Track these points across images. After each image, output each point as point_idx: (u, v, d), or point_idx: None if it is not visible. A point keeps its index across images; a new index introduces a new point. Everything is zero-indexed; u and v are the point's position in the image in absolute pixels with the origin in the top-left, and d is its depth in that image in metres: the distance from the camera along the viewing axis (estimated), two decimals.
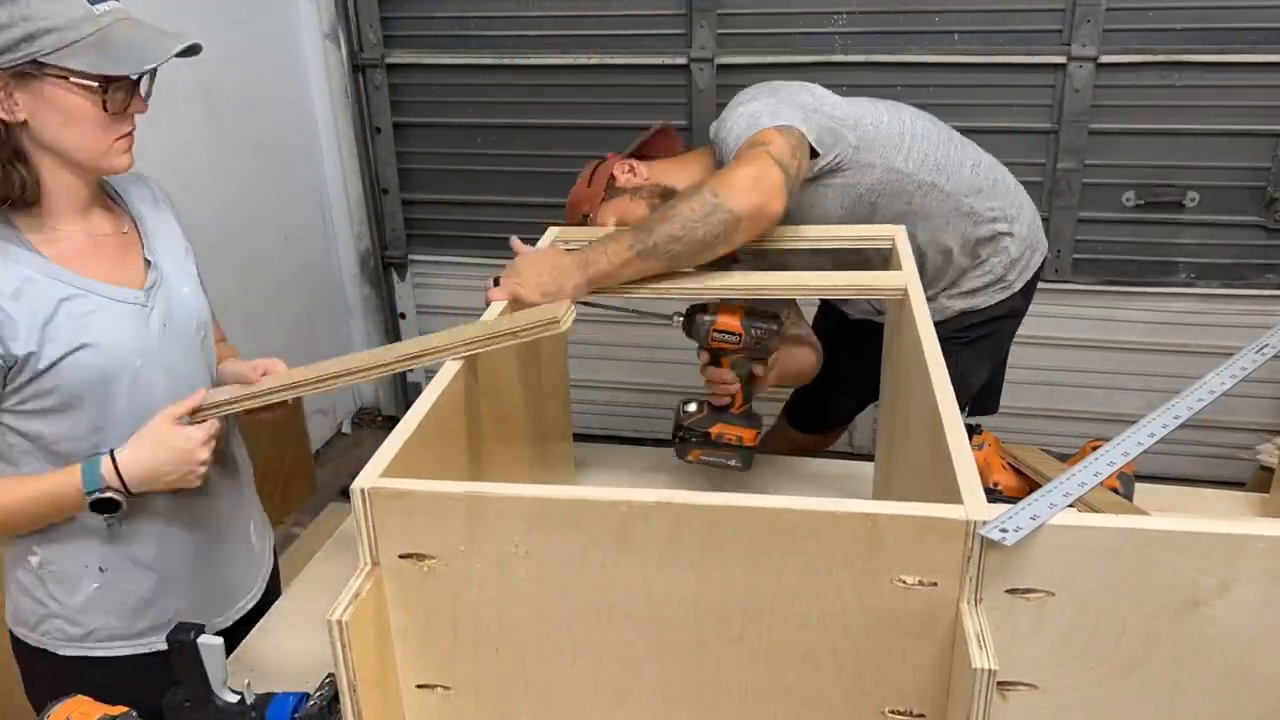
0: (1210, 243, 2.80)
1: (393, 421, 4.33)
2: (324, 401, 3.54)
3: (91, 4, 1.11)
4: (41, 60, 1.08)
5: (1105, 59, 2.62)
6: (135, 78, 1.16)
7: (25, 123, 1.11)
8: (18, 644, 1.32)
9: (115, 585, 1.27)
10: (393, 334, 3.58)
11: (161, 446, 1.17)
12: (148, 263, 1.27)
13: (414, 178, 3.30)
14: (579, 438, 1.74)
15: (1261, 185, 2.69)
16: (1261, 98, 2.60)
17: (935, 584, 0.84)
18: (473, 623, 0.91)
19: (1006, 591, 0.85)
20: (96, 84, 1.11)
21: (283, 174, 3.13)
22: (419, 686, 0.95)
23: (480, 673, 0.94)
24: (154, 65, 1.14)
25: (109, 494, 1.15)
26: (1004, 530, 0.81)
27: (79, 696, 1.03)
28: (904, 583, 0.84)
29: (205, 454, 1.19)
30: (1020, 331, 3.12)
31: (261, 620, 1.38)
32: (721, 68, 2.88)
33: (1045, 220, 2.81)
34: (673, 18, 2.89)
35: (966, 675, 0.79)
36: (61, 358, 1.15)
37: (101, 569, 1.26)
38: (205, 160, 2.76)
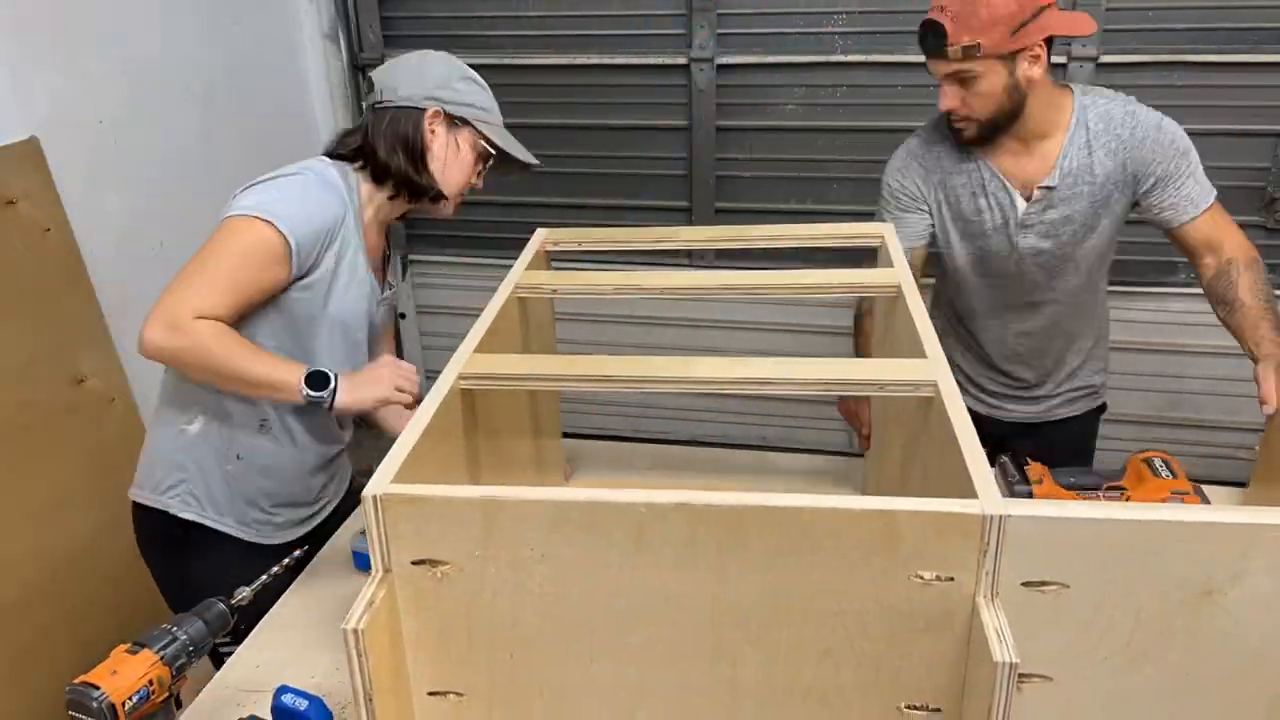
0: None
1: None
2: None
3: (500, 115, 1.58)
4: (471, 120, 1.52)
5: (1105, 59, 2.62)
6: (485, 166, 1.57)
7: (429, 144, 1.50)
8: (139, 510, 1.55)
9: (241, 476, 1.52)
10: (393, 334, 3.56)
11: (380, 367, 1.43)
12: (389, 284, 1.65)
13: None
14: (576, 437, 1.77)
15: (1261, 185, 2.70)
16: (1261, 98, 2.60)
17: (952, 579, 0.84)
18: (486, 628, 0.91)
19: (1022, 585, 0.85)
20: (493, 154, 1.55)
21: None
22: (431, 694, 0.95)
23: (494, 679, 0.93)
24: (533, 166, 1.60)
25: (325, 370, 1.37)
26: None
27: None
28: (921, 578, 0.84)
29: (398, 380, 1.40)
30: None
31: (263, 619, 1.43)
32: (721, 68, 2.89)
33: None
34: (673, 18, 2.91)
35: (986, 669, 0.79)
36: (325, 290, 1.45)
37: (239, 456, 1.51)
38: (205, 160, 2.75)
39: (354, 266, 1.48)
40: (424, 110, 1.49)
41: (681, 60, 2.92)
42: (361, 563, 1.53)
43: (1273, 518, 0.81)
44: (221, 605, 1.16)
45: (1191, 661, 0.87)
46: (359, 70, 3.18)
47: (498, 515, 0.87)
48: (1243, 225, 2.69)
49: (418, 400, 1.30)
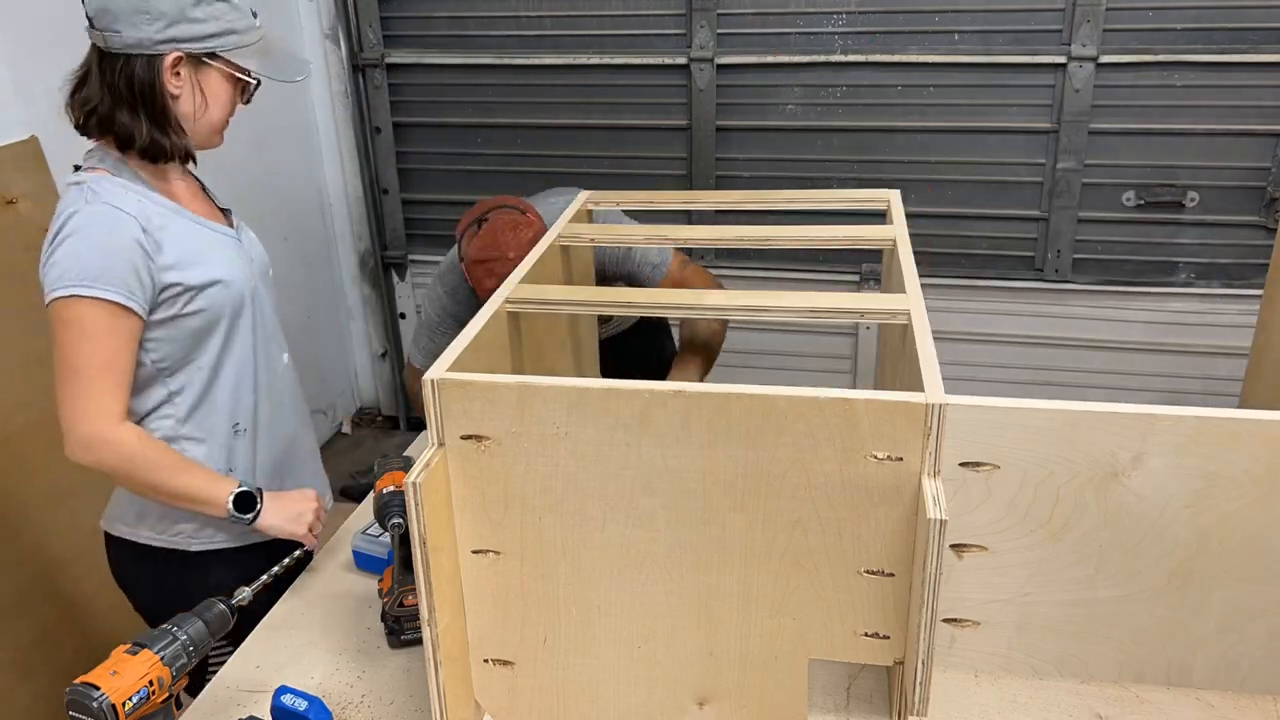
0: (1210, 243, 2.85)
1: (392, 420, 4.11)
2: (324, 402, 3.55)
3: (253, 17, 1.38)
4: (219, 53, 1.34)
5: (1105, 59, 2.67)
6: (251, 91, 1.43)
7: (174, 97, 1.36)
8: (133, 548, 1.54)
9: None
10: (393, 334, 3.59)
11: (308, 504, 1.50)
12: (224, 211, 1.54)
13: (414, 178, 3.33)
14: None
15: (1261, 185, 2.75)
16: (1261, 98, 2.65)
17: (901, 459, 1.00)
18: (520, 495, 1.09)
19: (960, 465, 1.03)
20: (252, 82, 1.40)
21: (282, 174, 3.09)
22: (474, 552, 1.14)
23: (525, 539, 1.11)
24: (302, 78, 1.43)
25: (251, 490, 1.43)
26: None
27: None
28: (876, 458, 1.01)
29: (313, 511, 1.48)
30: (1021, 331, 3.14)
31: (266, 616, 1.46)
32: (721, 68, 2.94)
33: (1045, 220, 2.86)
34: (673, 18, 2.95)
35: (925, 529, 0.97)
36: (205, 283, 1.39)
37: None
38: (203, 159, 2.60)
39: (191, 236, 1.40)
40: (162, 57, 1.31)
41: (681, 60, 2.96)
42: (362, 562, 1.54)
43: (1164, 410, 0.99)
44: (222, 605, 1.17)
45: (1103, 535, 1.04)
46: (359, 70, 3.23)
47: (530, 399, 1.05)
48: (1243, 225, 2.87)
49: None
